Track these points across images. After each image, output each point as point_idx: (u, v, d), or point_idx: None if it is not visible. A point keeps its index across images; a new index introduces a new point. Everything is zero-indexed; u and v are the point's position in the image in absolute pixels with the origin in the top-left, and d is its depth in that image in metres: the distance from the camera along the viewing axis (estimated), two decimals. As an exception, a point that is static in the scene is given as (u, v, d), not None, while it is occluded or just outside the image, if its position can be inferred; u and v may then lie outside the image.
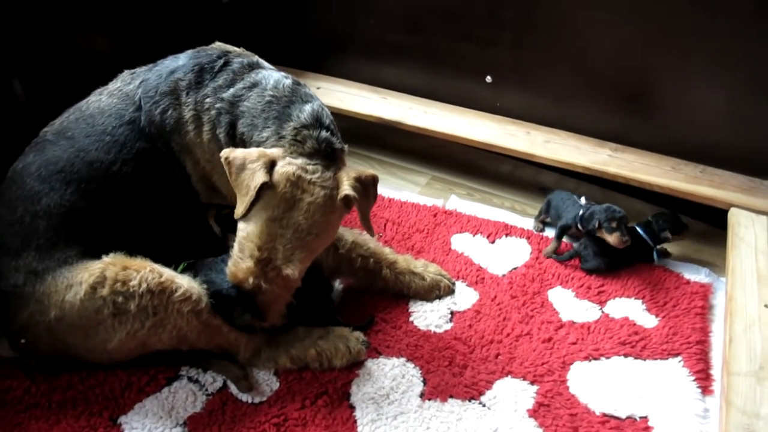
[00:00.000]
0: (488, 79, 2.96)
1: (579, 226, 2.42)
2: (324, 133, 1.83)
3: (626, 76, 2.68)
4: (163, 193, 2.02)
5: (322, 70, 3.35)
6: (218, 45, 2.05)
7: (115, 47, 2.83)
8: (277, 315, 1.91)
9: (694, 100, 2.58)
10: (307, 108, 1.86)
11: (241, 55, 2.02)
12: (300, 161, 1.78)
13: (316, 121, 1.85)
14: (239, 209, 1.76)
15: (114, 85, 2.06)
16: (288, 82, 1.94)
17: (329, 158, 1.84)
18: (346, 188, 1.80)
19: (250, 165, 1.74)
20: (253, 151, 1.78)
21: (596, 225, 2.32)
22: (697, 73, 2.52)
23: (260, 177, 1.72)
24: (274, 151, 1.79)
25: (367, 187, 1.87)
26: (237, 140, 1.92)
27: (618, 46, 2.62)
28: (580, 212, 2.42)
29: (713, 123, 2.58)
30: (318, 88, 3.18)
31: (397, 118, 2.98)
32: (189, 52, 2.04)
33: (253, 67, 1.99)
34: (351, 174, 1.84)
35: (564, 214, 2.49)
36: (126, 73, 2.09)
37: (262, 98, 1.89)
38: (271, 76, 1.94)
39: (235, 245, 1.85)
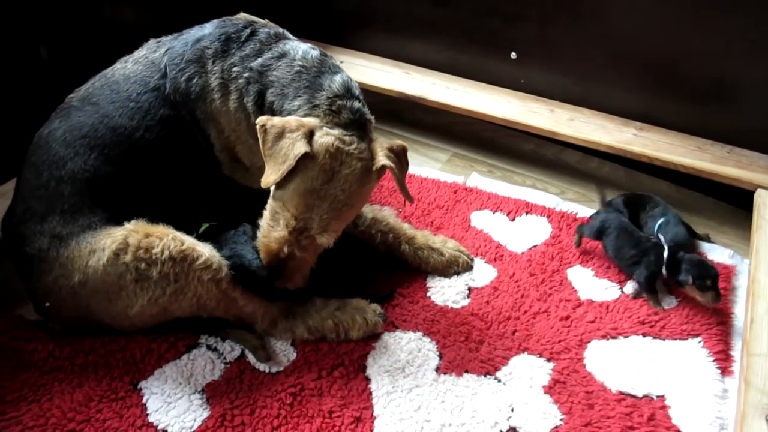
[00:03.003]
0: (513, 55, 2.93)
1: (663, 271, 2.16)
2: (357, 104, 1.86)
3: (654, 55, 2.63)
4: (185, 161, 2.02)
5: (346, 44, 3.34)
6: (243, 15, 2.05)
7: (141, 16, 2.83)
8: (301, 278, 1.94)
9: (722, 80, 2.52)
10: (338, 78, 1.87)
11: (267, 26, 2.02)
12: (337, 132, 1.80)
13: (348, 92, 1.87)
14: (271, 177, 1.75)
15: (140, 52, 2.07)
16: (315, 53, 1.94)
17: (363, 129, 1.86)
18: (382, 159, 1.82)
19: (290, 134, 1.74)
20: (291, 120, 1.77)
21: (690, 281, 2.07)
22: (727, 53, 2.47)
23: (301, 147, 1.72)
24: (312, 121, 1.80)
25: (399, 156, 1.90)
26: (266, 109, 1.92)
27: (646, 23, 2.57)
28: (665, 253, 2.15)
29: (742, 103, 2.53)
30: (341, 62, 3.16)
31: (420, 94, 2.96)
32: (215, 21, 2.04)
33: (279, 37, 1.98)
34: (384, 145, 1.87)
35: (638, 259, 2.18)
36: (152, 41, 2.09)
37: (291, 68, 1.89)
38: (299, 46, 1.94)
39: (266, 213, 1.87)
